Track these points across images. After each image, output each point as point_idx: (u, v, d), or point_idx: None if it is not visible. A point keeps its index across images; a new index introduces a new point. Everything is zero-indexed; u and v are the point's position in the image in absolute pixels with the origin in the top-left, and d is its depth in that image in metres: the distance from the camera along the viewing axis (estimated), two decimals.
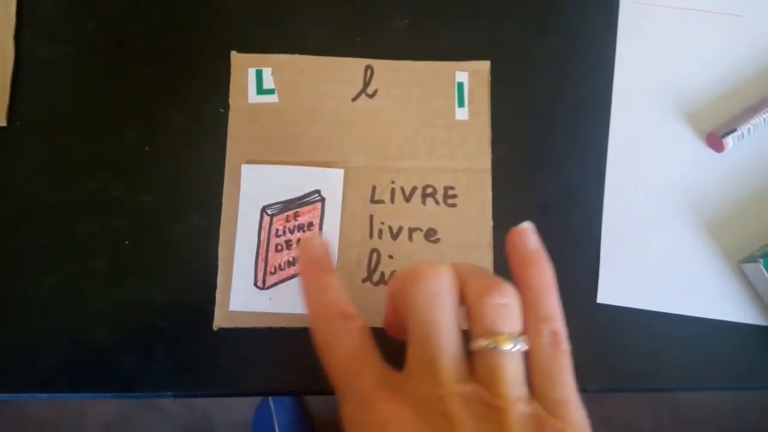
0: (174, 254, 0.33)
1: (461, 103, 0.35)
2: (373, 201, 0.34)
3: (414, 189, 0.34)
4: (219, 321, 0.33)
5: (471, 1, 0.37)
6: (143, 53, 0.35)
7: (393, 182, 0.34)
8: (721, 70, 0.37)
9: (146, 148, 0.34)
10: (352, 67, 0.36)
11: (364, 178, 0.34)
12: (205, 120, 0.35)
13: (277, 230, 0.33)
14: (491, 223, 0.34)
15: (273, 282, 0.33)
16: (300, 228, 0.34)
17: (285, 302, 0.33)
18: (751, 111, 0.35)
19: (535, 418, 0.21)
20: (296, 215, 0.34)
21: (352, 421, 0.23)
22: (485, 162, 0.35)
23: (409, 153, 0.35)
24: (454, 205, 0.34)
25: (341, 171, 0.34)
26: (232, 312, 0.33)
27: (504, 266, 0.24)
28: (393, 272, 0.33)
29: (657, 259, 0.35)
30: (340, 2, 0.37)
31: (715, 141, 0.35)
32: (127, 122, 0.35)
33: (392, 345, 0.24)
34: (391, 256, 0.34)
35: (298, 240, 0.33)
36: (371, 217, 0.34)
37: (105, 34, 0.36)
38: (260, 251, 0.33)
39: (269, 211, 0.34)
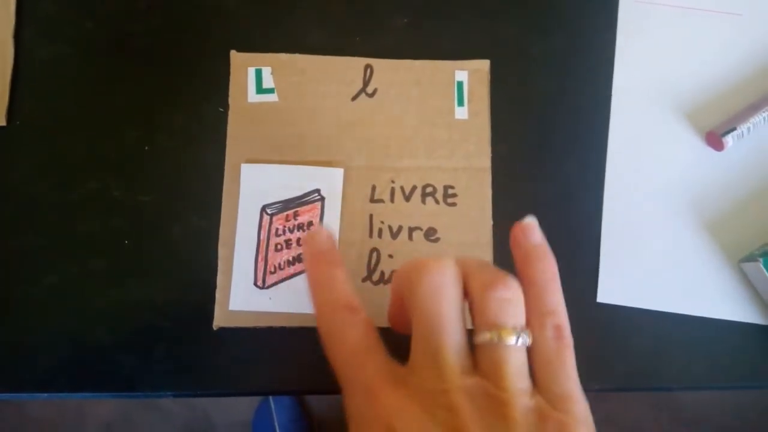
0: (174, 254, 0.33)
1: (461, 103, 0.35)
2: (372, 200, 0.34)
3: (414, 188, 0.34)
4: (219, 320, 0.33)
5: (471, 0, 0.37)
6: (143, 53, 0.35)
7: (393, 181, 0.34)
8: (720, 69, 0.37)
9: (146, 148, 0.34)
10: (352, 66, 0.36)
11: (364, 177, 0.34)
12: (204, 120, 0.35)
13: (277, 229, 0.33)
14: (491, 222, 0.34)
15: (273, 281, 0.33)
16: (300, 227, 0.34)
17: (285, 301, 0.33)
18: (750, 110, 0.35)
19: (538, 411, 0.21)
20: (296, 214, 0.34)
21: (356, 413, 0.23)
22: (485, 161, 0.35)
23: (408, 152, 0.35)
24: (453, 205, 0.34)
25: (341, 170, 0.34)
26: (232, 311, 0.33)
27: (504, 265, 0.24)
28: (393, 271, 0.33)
29: (657, 259, 0.35)
30: (339, 2, 0.37)
31: (714, 140, 0.35)
32: (127, 122, 0.35)
33: (396, 341, 0.24)
34: (390, 256, 0.34)
35: (298, 239, 0.33)
36: (371, 217, 0.34)
37: (105, 34, 0.36)
38: (260, 250, 0.33)
39: (269, 211, 0.34)
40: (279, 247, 0.33)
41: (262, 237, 0.33)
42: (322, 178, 0.34)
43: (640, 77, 0.37)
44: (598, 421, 0.22)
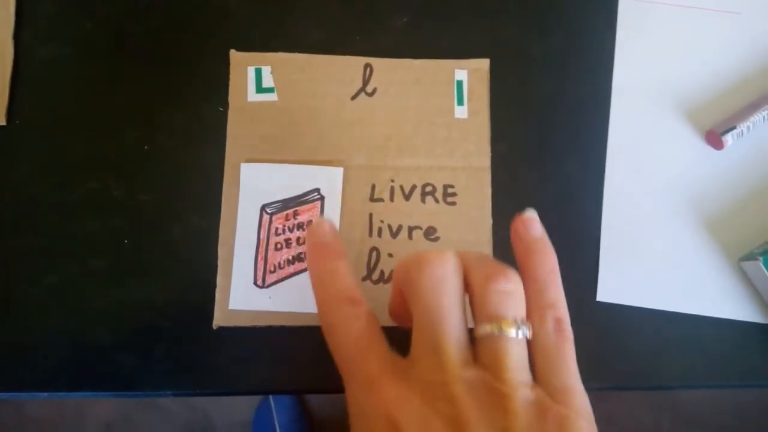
0: (174, 254, 0.33)
1: (460, 102, 0.35)
2: (372, 199, 0.34)
3: (413, 187, 0.34)
4: (219, 320, 0.33)
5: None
6: (143, 53, 0.35)
7: (392, 180, 0.34)
8: (720, 68, 0.37)
9: (146, 148, 0.34)
10: (352, 65, 0.36)
11: (364, 176, 0.34)
12: (204, 119, 0.35)
13: (277, 229, 0.33)
14: (491, 222, 0.34)
15: (273, 281, 0.33)
16: (299, 227, 0.34)
17: (285, 301, 0.33)
18: (750, 108, 0.35)
19: (538, 404, 0.21)
20: (296, 214, 0.34)
21: (357, 405, 0.23)
22: (485, 160, 0.35)
23: (408, 151, 0.35)
24: (453, 204, 0.34)
25: (340, 169, 0.34)
26: (232, 311, 0.33)
27: (503, 263, 0.24)
28: (393, 270, 0.33)
29: (656, 257, 0.35)
30: (339, 1, 0.37)
31: (714, 139, 0.35)
32: (127, 122, 0.35)
33: (398, 338, 0.24)
34: (390, 255, 0.34)
35: (298, 239, 0.33)
36: (371, 216, 0.34)
37: (105, 34, 0.36)
38: (260, 250, 0.33)
39: (269, 210, 0.34)
40: (279, 246, 0.33)
41: (261, 236, 0.33)
42: (322, 177, 0.34)
43: (640, 76, 0.37)
44: (598, 421, 0.22)
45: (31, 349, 0.32)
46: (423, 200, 0.34)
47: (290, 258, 0.33)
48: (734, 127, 0.35)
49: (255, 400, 1.01)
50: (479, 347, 0.23)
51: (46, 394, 0.32)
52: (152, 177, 0.34)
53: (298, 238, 0.33)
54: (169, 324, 0.33)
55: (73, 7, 0.36)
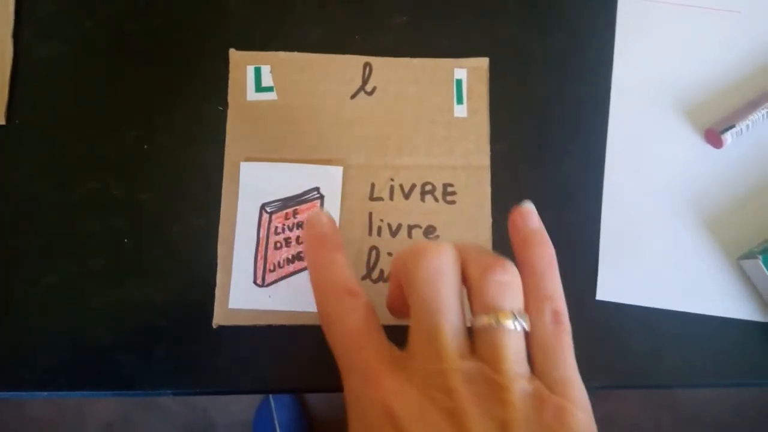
0: (174, 254, 0.33)
1: (460, 100, 0.35)
2: (372, 198, 0.34)
3: (413, 186, 0.34)
4: (218, 318, 0.33)
5: None
6: (143, 52, 0.35)
7: (392, 179, 0.34)
8: (719, 67, 0.37)
9: (145, 147, 0.34)
10: (351, 64, 0.36)
11: (363, 175, 0.34)
12: (204, 119, 0.35)
13: (276, 228, 0.33)
14: (490, 220, 0.34)
15: (272, 279, 0.33)
16: (299, 225, 0.34)
17: (284, 300, 0.33)
18: (749, 107, 0.35)
19: (536, 395, 0.21)
20: (295, 213, 0.34)
21: (354, 396, 0.23)
22: (484, 159, 0.35)
23: (408, 150, 0.35)
24: (453, 203, 0.34)
25: (340, 168, 0.34)
26: (232, 310, 0.33)
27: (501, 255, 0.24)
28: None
29: (656, 256, 0.35)
30: (339, 1, 0.37)
31: (713, 137, 0.35)
32: (126, 121, 0.35)
33: (397, 336, 0.24)
34: (390, 254, 0.34)
35: (298, 237, 0.33)
36: (370, 215, 0.34)
37: (104, 33, 0.36)
38: (259, 249, 0.33)
39: (268, 209, 0.34)
40: (278, 245, 0.33)
41: (261, 235, 0.33)
42: (322, 176, 0.34)
43: (640, 75, 0.37)
44: (598, 421, 0.22)
45: (31, 348, 0.32)
46: (422, 199, 0.34)
47: (290, 257, 0.33)
48: (733, 126, 0.35)
49: (255, 399, 1.01)
50: (477, 339, 0.23)
51: (46, 393, 0.32)
52: (152, 176, 0.34)
53: (298, 237, 0.33)
54: (169, 323, 0.33)
55: (73, 6, 0.36)
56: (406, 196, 0.34)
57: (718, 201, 0.35)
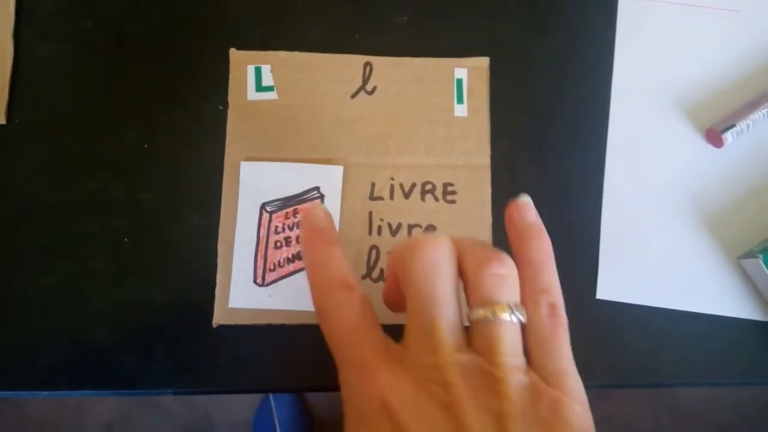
0: (174, 253, 0.33)
1: (460, 100, 0.35)
2: (372, 198, 0.34)
3: (413, 185, 0.34)
4: (218, 318, 0.33)
5: None
6: (143, 52, 0.35)
7: (392, 179, 0.34)
8: (720, 66, 0.37)
9: (145, 147, 0.34)
10: (351, 64, 0.36)
11: (364, 174, 0.34)
12: (204, 118, 0.35)
13: (277, 227, 0.33)
14: (490, 220, 0.34)
15: (272, 279, 0.33)
16: (299, 225, 0.34)
17: (284, 299, 0.33)
18: (750, 106, 0.35)
19: (532, 387, 0.21)
20: (295, 212, 0.34)
21: (351, 390, 0.23)
22: (484, 158, 0.35)
23: (408, 149, 0.35)
24: (453, 202, 0.34)
25: (340, 168, 0.34)
26: (232, 309, 0.33)
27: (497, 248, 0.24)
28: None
29: (656, 256, 0.35)
30: (339, 0, 0.37)
31: (714, 137, 0.35)
32: (126, 121, 0.35)
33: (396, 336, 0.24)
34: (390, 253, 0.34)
35: (298, 237, 0.33)
36: (370, 214, 0.34)
37: (104, 33, 0.36)
38: (259, 248, 0.33)
39: (268, 208, 0.34)
40: (278, 244, 0.33)
41: (261, 235, 0.33)
42: (322, 175, 0.34)
43: (640, 75, 0.37)
44: (597, 420, 0.22)
45: (31, 348, 0.32)
46: (423, 198, 0.34)
47: (290, 256, 0.33)
48: (734, 125, 0.35)
49: (255, 398, 1.01)
50: (473, 332, 0.23)
51: (46, 393, 0.32)
52: (152, 176, 0.34)
53: (298, 237, 0.33)
54: (169, 323, 0.33)
55: (73, 5, 0.36)
56: (407, 196, 0.34)
57: (718, 200, 0.35)
